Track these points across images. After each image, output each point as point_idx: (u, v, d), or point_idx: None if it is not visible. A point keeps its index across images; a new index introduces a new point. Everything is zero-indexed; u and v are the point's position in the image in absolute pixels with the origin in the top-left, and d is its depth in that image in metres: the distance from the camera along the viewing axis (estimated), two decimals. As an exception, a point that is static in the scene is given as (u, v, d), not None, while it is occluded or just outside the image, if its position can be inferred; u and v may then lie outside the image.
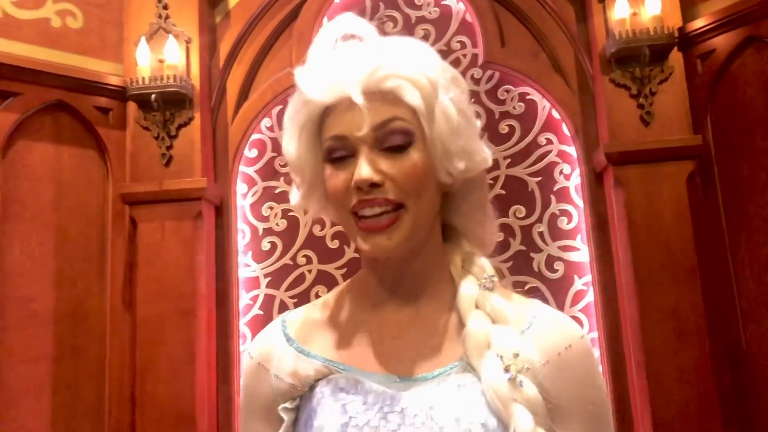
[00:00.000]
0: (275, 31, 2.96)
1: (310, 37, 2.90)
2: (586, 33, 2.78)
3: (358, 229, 0.86)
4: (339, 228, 2.83)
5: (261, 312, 2.82)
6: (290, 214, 2.89)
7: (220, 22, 2.97)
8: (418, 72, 0.86)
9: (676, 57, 2.64)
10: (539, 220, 2.79)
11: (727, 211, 2.55)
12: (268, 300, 2.84)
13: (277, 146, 2.95)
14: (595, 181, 2.74)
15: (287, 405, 0.92)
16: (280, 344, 0.96)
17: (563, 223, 2.79)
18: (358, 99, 0.83)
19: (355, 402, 0.86)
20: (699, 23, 2.63)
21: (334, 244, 2.85)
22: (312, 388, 0.91)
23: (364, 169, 0.83)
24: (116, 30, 2.86)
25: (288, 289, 2.83)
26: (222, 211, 2.85)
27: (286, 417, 0.92)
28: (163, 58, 2.74)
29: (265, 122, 2.96)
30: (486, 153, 0.92)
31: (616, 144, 2.58)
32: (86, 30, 2.81)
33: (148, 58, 2.73)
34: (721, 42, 2.61)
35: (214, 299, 2.75)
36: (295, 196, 0.97)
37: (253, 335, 2.79)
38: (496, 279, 0.91)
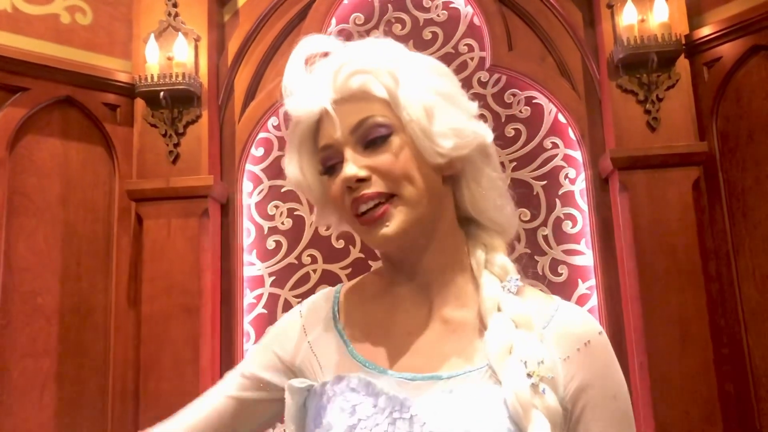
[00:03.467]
0: (283, 30, 2.96)
1: (318, 37, 2.91)
2: (593, 38, 2.79)
3: (362, 226, 0.88)
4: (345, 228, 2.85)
5: (265, 311, 2.83)
6: (296, 213, 2.90)
7: (229, 21, 2.98)
8: (378, 64, 0.88)
9: (683, 64, 2.65)
10: (544, 223, 2.81)
11: (731, 218, 2.56)
12: (273, 299, 2.84)
13: (283, 145, 2.95)
14: (600, 186, 2.75)
15: (297, 384, 0.91)
16: (326, 318, 0.97)
17: (568, 227, 2.80)
18: (328, 106, 0.87)
19: (364, 404, 0.85)
20: (706, 31, 2.65)
21: (339, 244, 2.85)
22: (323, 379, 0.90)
23: (348, 168, 0.86)
24: (125, 27, 2.86)
25: (292, 288, 2.84)
26: (228, 210, 2.85)
27: (290, 397, 0.91)
28: (172, 55, 2.74)
29: (272, 121, 2.97)
30: (479, 128, 0.92)
31: (622, 149, 2.60)
32: (95, 26, 2.81)
33: (157, 55, 2.74)
34: (728, 50, 2.62)
35: (219, 297, 2.75)
36: (315, 216, 1.01)
37: (257, 334, 2.80)
38: (520, 283, 0.91)
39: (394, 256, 0.93)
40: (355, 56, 0.89)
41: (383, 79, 0.88)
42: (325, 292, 1.02)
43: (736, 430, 2.45)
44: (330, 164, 0.90)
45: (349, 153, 0.87)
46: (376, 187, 0.86)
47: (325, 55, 0.93)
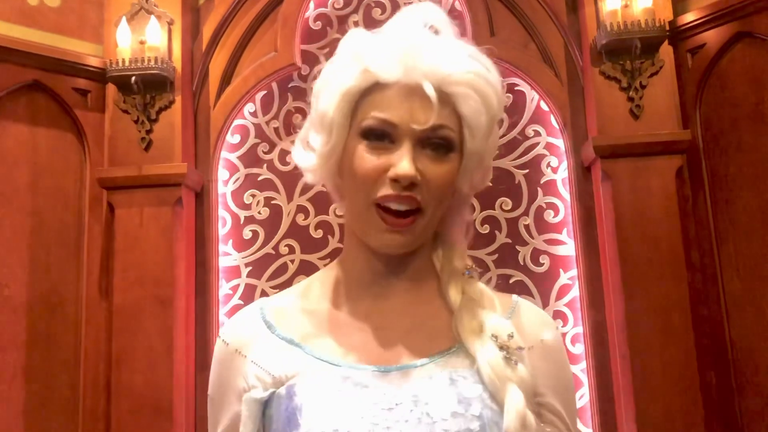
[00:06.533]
0: (260, 15, 2.88)
1: (295, 22, 2.84)
2: (576, 24, 2.74)
3: (381, 223, 0.85)
4: (323, 217, 2.79)
5: (241, 302, 2.76)
6: (273, 202, 2.84)
7: (204, 5, 2.90)
8: (491, 90, 0.87)
9: (666, 50, 2.61)
10: (525, 213, 2.76)
11: (714, 207, 2.53)
12: (249, 290, 2.78)
13: (260, 132, 2.89)
14: (582, 175, 2.71)
15: (256, 395, 0.86)
16: (260, 331, 0.92)
17: (550, 216, 2.76)
18: (431, 93, 0.83)
19: (344, 400, 0.82)
20: (690, 17, 2.62)
21: (317, 234, 2.79)
22: (289, 381, 0.86)
23: (409, 165, 0.83)
24: (96, 10, 2.78)
25: (270, 279, 2.78)
26: (202, 198, 2.78)
27: (247, 409, 0.86)
28: (144, 39, 2.66)
29: (249, 107, 2.90)
30: (491, 173, 0.97)
31: (605, 137, 2.56)
32: (65, 9, 2.73)
33: (129, 39, 2.66)
34: (712, 37, 2.59)
35: (194, 288, 2.69)
36: (303, 155, 0.94)
37: (233, 325, 2.74)
38: (479, 269, 0.94)
39: (391, 256, 0.91)
40: (471, 66, 0.86)
41: (476, 103, 0.86)
42: (240, 314, 0.97)
43: (716, 419, 2.43)
44: (376, 136, 0.85)
45: (409, 147, 0.84)
46: (418, 194, 0.84)
47: (430, 26, 0.90)
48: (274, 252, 2.80)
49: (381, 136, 0.85)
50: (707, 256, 2.53)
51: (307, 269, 2.76)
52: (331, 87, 0.89)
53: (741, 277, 2.46)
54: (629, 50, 2.56)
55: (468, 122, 0.86)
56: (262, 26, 2.89)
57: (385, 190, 0.84)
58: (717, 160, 2.55)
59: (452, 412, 0.81)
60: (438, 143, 0.85)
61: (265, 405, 0.87)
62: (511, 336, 0.86)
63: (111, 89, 2.71)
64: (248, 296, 2.77)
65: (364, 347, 0.88)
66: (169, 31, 2.73)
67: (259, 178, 2.85)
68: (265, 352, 0.90)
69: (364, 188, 0.86)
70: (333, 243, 2.78)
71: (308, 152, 0.94)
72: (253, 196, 2.85)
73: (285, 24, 2.85)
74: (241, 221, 2.83)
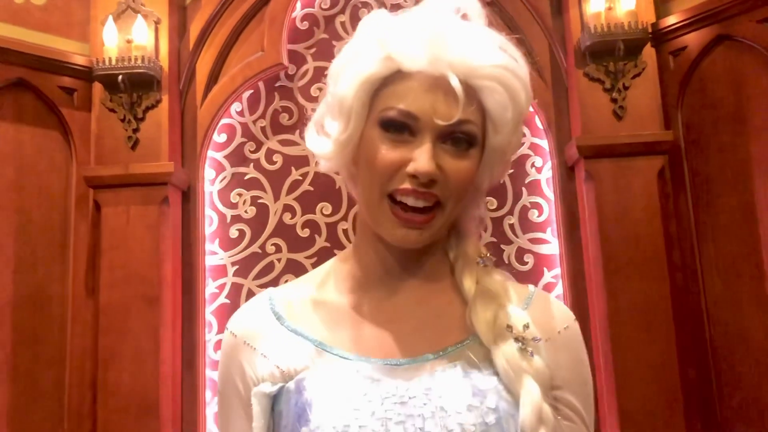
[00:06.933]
0: (247, 14, 2.89)
1: (282, 21, 2.85)
2: (561, 26, 2.77)
3: (393, 216, 0.82)
4: (310, 216, 2.81)
5: (228, 301, 2.77)
6: (259, 201, 2.85)
7: (191, 4, 2.90)
8: (519, 84, 0.84)
9: (649, 52, 2.65)
10: (510, 212, 2.79)
11: (695, 207, 2.57)
12: (236, 289, 2.79)
13: (246, 131, 2.90)
14: (566, 175, 2.74)
15: (265, 389, 0.85)
16: (269, 322, 0.90)
17: (534, 215, 2.79)
18: (457, 86, 0.79)
19: (356, 394, 0.80)
20: (672, 20, 2.65)
21: (304, 233, 2.81)
22: (298, 375, 0.84)
23: (429, 162, 0.80)
24: (83, 8, 2.77)
25: (256, 278, 2.79)
26: (189, 197, 2.79)
27: (258, 403, 0.84)
28: (131, 38, 2.66)
29: (235, 107, 2.90)
30: (509, 167, 0.96)
31: (588, 137, 2.59)
32: (51, 6, 2.72)
33: (116, 37, 2.65)
34: (693, 39, 2.63)
35: (180, 287, 2.69)
36: (318, 141, 0.90)
37: (220, 324, 2.75)
38: (494, 258, 0.91)
39: (405, 249, 0.88)
40: (500, 58, 0.83)
41: (502, 97, 0.82)
42: (248, 305, 0.94)
43: (697, 416, 2.47)
44: (396, 127, 0.82)
45: (430, 141, 0.80)
46: (437, 190, 0.81)
47: (459, 12, 0.87)
48: (260, 251, 2.81)
49: (401, 128, 0.82)
50: (688, 255, 2.57)
51: (293, 268, 2.77)
52: (350, 71, 0.84)
53: (721, 275, 2.50)
54: (612, 52, 2.59)
55: (493, 118, 0.83)
56: (249, 26, 2.90)
57: (402, 184, 0.81)
58: (698, 161, 2.59)
59: (467, 405, 0.79)
60: (460, 138, 0.82)
61: (274, 400, 0.85)
62: (526, 326, 0.83)
63: (97, 88, 2.71)
64: (235, 295, 2.78)
65: (376, 340, 0.86)
66: (156, 30, 2.73)
67: (246, 177, 2.86)
68: (275, 344, 0.87)
69: (380, 180, 0.82)
70: (320, 242, 2.80)
71: (323, 138, 0.89)
72: (240, 195, 2.85)
73: (272, 24, 2.86)
74: (228, 220, 2.84)
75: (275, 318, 0.90)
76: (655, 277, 2.49)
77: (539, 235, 2.78)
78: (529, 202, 2.80)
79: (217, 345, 2.74)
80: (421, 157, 0.79)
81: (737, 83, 2.53)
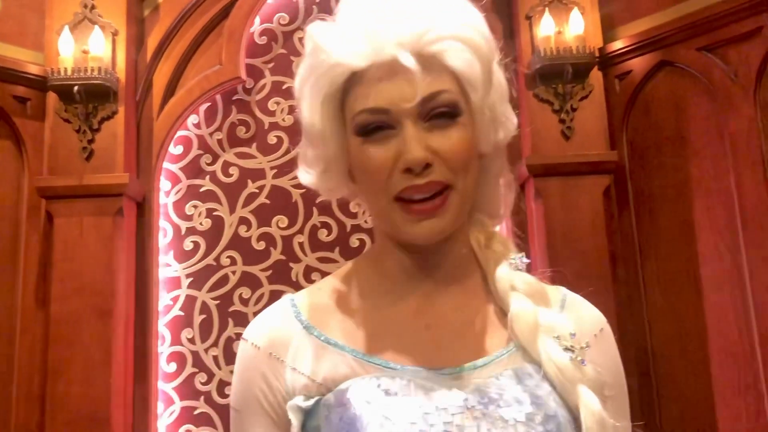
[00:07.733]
0: (205, 28, 2.91)
1: (240, 36, 2.88)
2: (513, 49, 2.86)
3: (406, 215, 0.77)
4: (265, 229, 2.82)
5: (182, 313, 2.77)
6: (215, 213, 2.85)
7: (149, 16, 2.91)
8: (475, 33, 0.78)
9: (596, 76, 2.75)
10: (463, 227, 2.85)
11: (639, 225, 2.68)
12: (189, 301, 2.78)
13: (203, 144, 2.91)
14: (516, 192, 2.81)
15: (300, 403, 0.78)
16: (295, 331, 0.83)
17: (485, 231, 2.85)
18: (410, 63, 0.73)
19: (409, 405, 0.74)
20: (618, 45, 2.76)
21: (260, 246, 2.82)
22: (338, 387, 0.78)
23: (416, 150, 0.75)
24: (37, 16, 2.75)
25: (210, 290, 2.79)
26: (144, 209, 2.77)
27: (295, 418, 0.78)
28: (87, 49, 2.65)
29: (192, 119, 2.91)
30: (514, 116, 0.86)
31: (537, 157, 2.68)
32: (4, 15, 2.68)
33: (72, 48, 2.64)
34: (637, 64, 2.74)
35: (133, 298, 2.67)
36: (306, 175, 0.86)
37: (174, 336, 2.74)
38: (526, 260, 0.87)
39: (428, 249, 0.82)
40: (444, 16, 0.77)
41: (464, 52, 0.76)
42: (269, 313, 0.87)
43: (639, 426, 2.55)
44: (372, 128, 0.77)
45: (411, 127, 0.75)
46: (438, 175, 0.76)
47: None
48: (215, 263, 2.82)
49: (378, 128, 0.77)
50: (631, 271, 2.67)
51: (248, 281, 2.78)
52: (309, 94, 0.81)
53: (662, 290, 2.61)
54: (561, 75, 2.68)
55: (464, 77, 0.77)
56: (207, 39, 2.92)
57: (402, 183, 0.76)
58: (641, 180, 2.70)
59: (526, 413, 0.75)
60: (441, 112, 0.76)
61: (306, 415, 0.79)
62: (573, 334, 0.80)
63: (52, 97, 2.68)
64: (188, 307, 2.77)
65: (417, 348, 0.80)
66: (113, 42, 2.72)
67: (201, 189, 2.87)
68: (305, 355, 0.81)
69: (379, 185, 0.78)
70: (275, 255, 2.81)
71: (312, 170, 0.85)
72: (195, 207, 2.86)
73: (230, 38, 2.88)
74: (183, 232, 2.84)
75: (302, 326, 0.83)
76: (600, 290, 2.55)
77: (490, 250, 2.84)
78: (481, 218, 2.86)
79: (171, 357, 2.73)
80: (407, 147, 0.75)
81: (678, 107, 2.65)
